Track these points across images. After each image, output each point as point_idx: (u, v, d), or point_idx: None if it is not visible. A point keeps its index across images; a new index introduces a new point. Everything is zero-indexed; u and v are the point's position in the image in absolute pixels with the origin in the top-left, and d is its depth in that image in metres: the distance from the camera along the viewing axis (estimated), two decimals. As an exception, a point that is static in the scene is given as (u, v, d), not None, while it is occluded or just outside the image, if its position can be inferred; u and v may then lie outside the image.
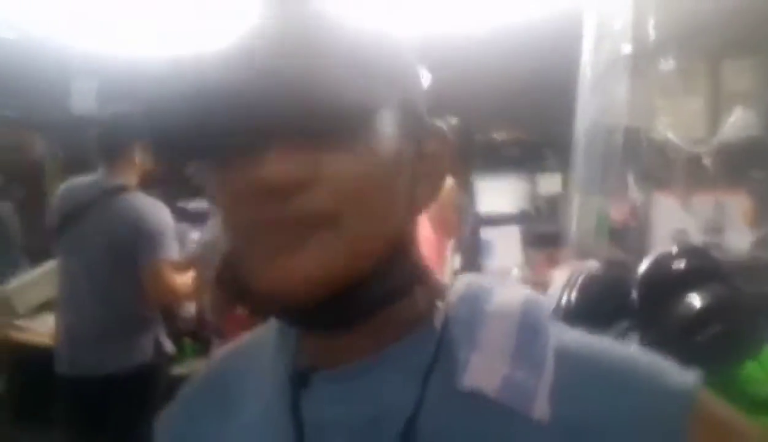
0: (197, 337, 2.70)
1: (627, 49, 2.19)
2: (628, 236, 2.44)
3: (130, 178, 2.22)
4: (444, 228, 2.28)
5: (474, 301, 0.52)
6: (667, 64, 2.22)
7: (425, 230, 2.10)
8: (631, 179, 2.39)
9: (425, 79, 0.57)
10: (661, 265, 1.41)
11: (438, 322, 0.51)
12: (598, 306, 1.46)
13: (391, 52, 0.48)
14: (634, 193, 2.44)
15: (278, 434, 0.52)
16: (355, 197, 0.44)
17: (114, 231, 2.11)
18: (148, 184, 2.29)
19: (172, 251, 2.17)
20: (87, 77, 3.95)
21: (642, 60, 2.20)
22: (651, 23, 2.23)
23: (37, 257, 3.16)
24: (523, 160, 3.63)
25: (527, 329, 0.50)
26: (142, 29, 3.07)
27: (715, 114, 2.22)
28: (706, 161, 2.28)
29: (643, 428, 0.46)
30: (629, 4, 2.19)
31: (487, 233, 3.21)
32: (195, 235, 2.64)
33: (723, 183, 2.29)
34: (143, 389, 2.12)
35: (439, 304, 0.52)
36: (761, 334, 1.26)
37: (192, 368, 2.51)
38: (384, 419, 0.49)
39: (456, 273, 2.40)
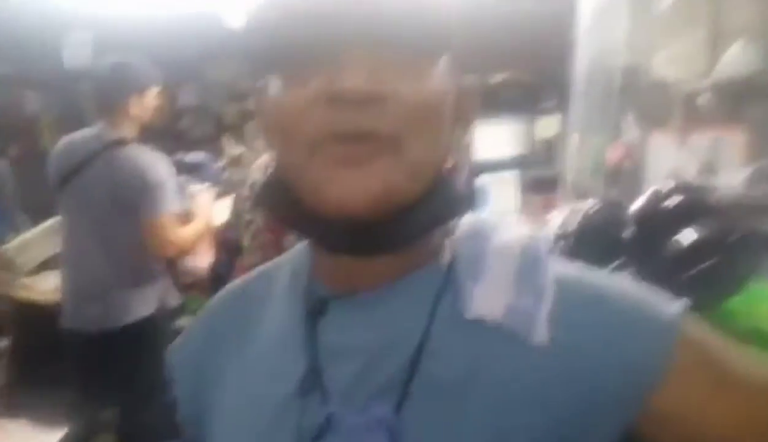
0: (202, 290, 2.74)
1: (625, -14, 2.16)
2: (623, 176, 2.45)
3: (129, 131, 2.20)
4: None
5: (478, 238, 0.56)
6: (666, 0, 2.18)
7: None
8: (629, 119, 2.38)
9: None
10: (654, 201, 1.43)
11: (446, 257, 0.55)
12: (594, 243, 1.49)
13: None
14: (632, 132, 2.43)
15: (295, 359, 0.55)
16: (419, 122, 0.47)
17: (116, 185, 2.11)
18: (144, 137, 2.28)
19: (174, 204, 2.18)
20: (80, 30, 3.88)
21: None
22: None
23: (35, 215, 3.17)
24: (520, 103, 3.58)
25: (528, 262, 0.53)
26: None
27: (716, 49, 2.19)
28: (703, 98, 2.26)
29: (632, 353, 0.49)
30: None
31: (482, 180, 3.20)
32: (194, 187, 2.64)
33: (720, 120, 2.27)
34: (148, 342, 2.14)
35: (447, 241, 0.56)
36: (749, 269, 1.29)
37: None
38: (396, 343, 0.52)
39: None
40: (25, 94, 4.19)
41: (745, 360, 0.52)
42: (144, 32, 3.25)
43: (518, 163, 3.40)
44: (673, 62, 2.26)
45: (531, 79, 3.57)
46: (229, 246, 2.38)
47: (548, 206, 2.62)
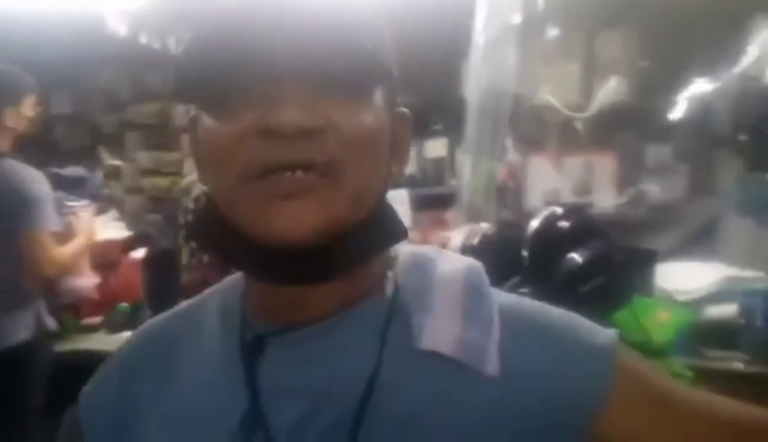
0: (78, 312, 2.56)
1: (517, 18, 2.31)
2: (507, 196, 2.59)
3: (3, 143, 2.05)
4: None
5: (420, 269, 0.56)
6: (551, 34, 2.35)
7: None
8: (509, 142, 2.54)
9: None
10: (548, 224, 1.53)
11: (389, 289, 0.54)
12: (492, 263, 1.57)
13: (386, 24, 0.52)
14: (513, 155, 2.59)
15: (234, 398, 0.52)
16: (358, 150, 0.47)
17: None
18: (17, 149, 2.12)
19: (53, 221, 2.04)
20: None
21: (529, 29, 2.32)
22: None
23: None
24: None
25: (473, 292, 0.54)
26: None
27: (590, 81, 2.40)
28: (579, 125, 2.46)
29: (576, 378, 0.52)
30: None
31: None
32: (71, 203, 2.47)
33: (593, 146, 2.48)
34: (26, 367, 2.01)
35: (389, 273, 0.55)
36: (633, 285, 1.42)
37: (75, 344, 2.40)
38: (344, 379, 0.50)
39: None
40: None
41: (672, 379, 0.57)
42: (6, 27, 2.95)
43: (408, 182, 3.49)
44: (552, 92, 2.44)
45: (420, 103, 3.68)
46: (161, 261, 2.26)
47: (439, 223, 2.72)
